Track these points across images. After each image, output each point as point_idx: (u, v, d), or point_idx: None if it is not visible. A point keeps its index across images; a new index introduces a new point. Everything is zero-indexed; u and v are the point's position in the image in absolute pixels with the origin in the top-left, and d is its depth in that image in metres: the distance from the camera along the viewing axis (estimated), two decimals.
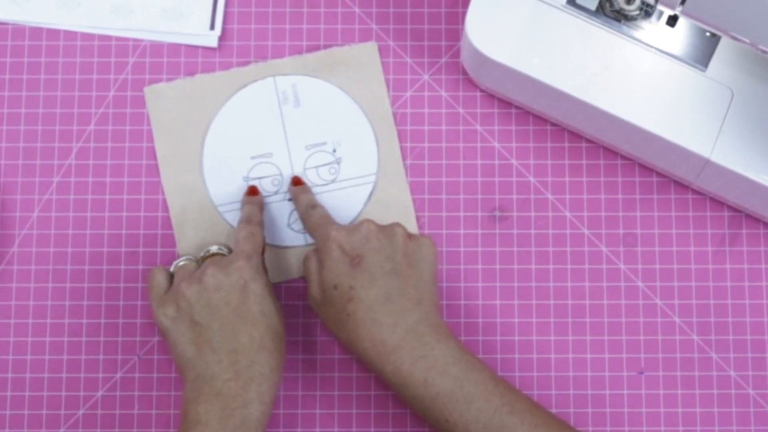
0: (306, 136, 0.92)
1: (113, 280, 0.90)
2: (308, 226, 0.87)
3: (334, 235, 0.83)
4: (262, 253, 0.86)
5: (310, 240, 0.90)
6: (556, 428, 0.79)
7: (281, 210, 0.91)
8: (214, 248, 0.88)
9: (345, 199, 0.91)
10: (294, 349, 0.90)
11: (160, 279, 0.86)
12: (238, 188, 0.91)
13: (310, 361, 0.89)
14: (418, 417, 0.89)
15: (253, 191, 0.90)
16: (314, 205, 0.88)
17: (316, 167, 0.92)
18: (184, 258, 0.88)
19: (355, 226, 0.84)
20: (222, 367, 0.80)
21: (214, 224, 0.91)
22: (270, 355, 0.81)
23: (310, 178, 0.92)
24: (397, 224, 0.84)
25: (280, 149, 0.92)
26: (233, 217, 0.91)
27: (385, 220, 0.90)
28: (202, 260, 0.87)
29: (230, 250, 0.88)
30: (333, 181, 0.92)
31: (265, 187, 0.91)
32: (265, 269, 0.86)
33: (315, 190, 0.91)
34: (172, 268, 0.87)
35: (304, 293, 0.90)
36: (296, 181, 0.90)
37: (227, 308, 0.81)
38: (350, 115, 0.92)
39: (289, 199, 0.91)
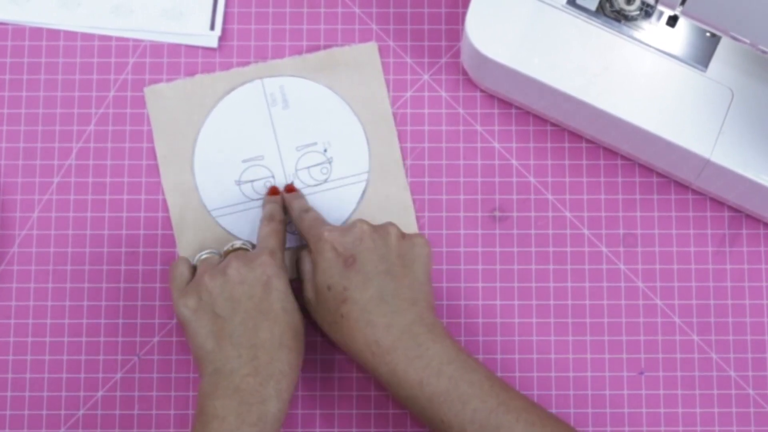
0: (296, 137, 0.92)
1: (113, 280, 0.90)
2: (301, 229, 0.87)
3: (326, 235, 0.83)
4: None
5: (303, 241, 0.90)
6: (552, 426, 0.79)
7: None
8: (238, 243, 0.88)
9: (338, 198, 0.91)
10: None
11: (182, 270, 0.85)
12: (231, 193, 0.91)
13: (310, 362, 0.89)
14: (417, 417, 0.89)
15: (274, 191, 0.90)
16: (307, 209, 0.88)
17: (308, 168, 0.92)
18: (207, 251, 0.88)
19: (348, 227, 0.83)
20: (241, 362, 0.80)
21: (208, 227, 0.91)
22: (290, 352, 0.81)
23: (302, 178, 0.91)
24: (391, 224, 0.84)
25: (271, 151, 0.92)
26: (227, 221, 0.91)
27: (384, 219, 0.90)
28: (226, 254, 0.87)
29: (254, 246, 0.88)
30: (325, 181, 0.92)
31: (257, 189, 0.91)
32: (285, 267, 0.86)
33: (307, 190, 0.91)
34: (194, 261, 0.87)
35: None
36: (289, 189, 0.90)
37: (249, 302, 0.81)
38: (340, 114, 0.92)
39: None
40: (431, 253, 0.84)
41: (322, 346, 0.90)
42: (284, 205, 0.89)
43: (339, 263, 0.82)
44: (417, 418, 0.88)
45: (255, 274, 0.82)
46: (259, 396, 0.78)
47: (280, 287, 0.82)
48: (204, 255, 0.87)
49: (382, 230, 0.83)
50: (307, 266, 0.85)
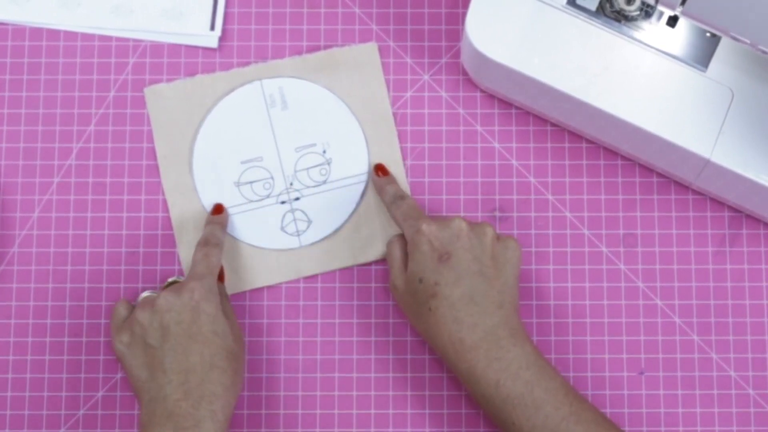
0: (295, 138, 0.92)
1: (113, 280, 0.90)
2: (397, 217, 0.87)
3: (425, 228, 0.83)
4: (222, 273, 0.88)
5: (304, 243, 0.90)
6: None
7: (275, 213, 0.91)
8: (172, 278, 0.89)
9: (337, 199, 0.91)
10: (294, 350, 0.90)
11: (120, 310, 0.86)
12: (230, 194, 0.91)
13: (310, 362, 0.89)
14: (417, 417, 0.89)
15: (218, 209, 0.90)
16: (402, 196, 0.88)
17: (307, 169, 0.92)
18: (148, 291, 0.88)
19: (446, 222, 0.84)
20: (172, 387, 0.80)
21: None
22: (223, 373, 0.81)
23: (301, 180, 0.91)
24: (488, 224, 0.84)
25: (270, 153, 0.92)
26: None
27: (383, 221, 0.90)
28: (162, 290, 0.88)
29: None
30: (324, 182, 0.92)
31: (256, 191, 0.91)
32: (222, 291, 0.87)
33: (307, 192, 0.91)
34: (138, 300, 0.88)
35: (304, 293, 0.90)
36: (380, 170, 0.90)
37: (178, 328, 0.82)
38: (338, 115, 0.92)
39: (282, 202, 0.91)
40: (522, 257, 0.85)
41: (322, 347, 0.90)
42: (379, 189, 0.89)
43: (434, 258, 0.82)
44: (420, 418, 0.88)
45: (183, 300, 0.83)
46: (192, 419, 0.79)
47: (209, 311, 0.83)
48: (144, 294, 0.88)
49: (479, 230, 0.84)
50: (396, 252, 0.86)
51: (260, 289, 0.91)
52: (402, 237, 0.87)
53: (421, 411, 0.89)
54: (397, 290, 0.85)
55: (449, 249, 0.82)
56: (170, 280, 0.89)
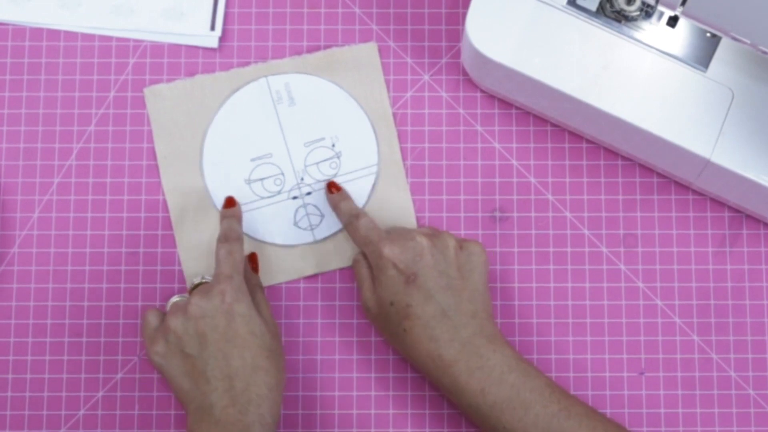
0: (304, 133, 0.92)
1: (114, 280, 0.90)
2: (356, 239, 0.86)
3: (387, 252, 0.83)
4: (256, 262, 0.87)
5: (318, 237, 0.91)
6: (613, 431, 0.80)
7: (287, 208, 0.91)
8: (197, 279, 0.88)
9: (349, 191, 0.91)
10: (294, 350, 0.90)
11: (150, 319, 0.85)
12: (241, 192, 0.91)
13: (310, 362, 0.89)
14: (417, 417, 0.89)
15: (230, 203, 0.89)
16: (357, 215, 0.87)
17: (317, 163, 0.92)
18: (177, 296, 0.88)
19: (406, 242, 0.83)
20: (218, 395, 0.80)
21: (215, 226, 0.91)
22: (266, 374, 0.81)
23: (311, 174, 0.92)
24: (448, 234, 0.84)
25: (279, 149, 0.92)
26: None
27: (385, 219, 0.90)
28: (190, 293, 0.87)
29: None
30: (335, 176, 0.92)
31: (267, 187, 0.91)
32: (257, 282, 0.86)
33: (318, 186, 0.91)
34: (168, 307, 0.87)
35: (305, 293, 0.90)
36: (332, 187, 0.89)
37: (215, 333, 0.81)
38: (346, 108, 0.92)
39: (294, 197, 0.91)
40: (488, 260, 0.85)
41: (323, 347, 0.90)
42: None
43: (401, 281, 0.82)
44: (420, 418, 0.88)
45: (214, 304, 0.82)
46: (241, 425, 0.78)
47: (242, 311, 0.82)
48: (174, 299, 0.87)
49: (440, 243, 0.83)
50: (363, 272, 0.85)
51: None
52: (363, 254, 0.86)
53: (421, 411, 0.89)
54: (370, 311, 0.85)
55: (414, 270, 0.82)
56: (196, 281, 0.88)
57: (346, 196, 0.89)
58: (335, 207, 0.89)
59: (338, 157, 0.92)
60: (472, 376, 0.80)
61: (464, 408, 0.82)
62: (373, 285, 0.85)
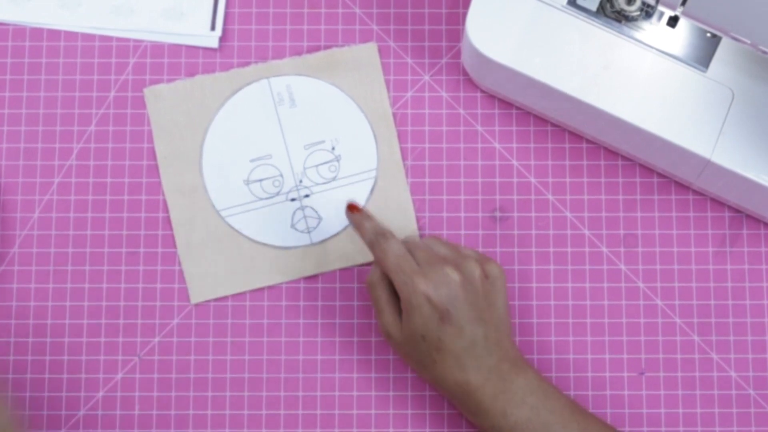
0: (304, 135, 0.92)
1: (114, 280, 0.90)
2: (384, 263, 0.83)
3: (423, 289, 0.81)
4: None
5: (315, 239, 0.91)
6: None
7: (285, 210, 0.91)
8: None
9: (347, 195, 0.91)
10: (294, 350, 0.90)
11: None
12: (240, 192, 0.91)
13: (310, 362, 0.89)
14: (417, 417, 0.89)
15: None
16: (384, 234, 0.84)
17: (316, 166, 0.92)
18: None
19: (438, 275, 0.81)
20: None
21: (215, 226, 0.91)
22: None
23: (310, 177, 0.92)
24: (473, 262, 0.83)
25: (279, 150, 0.92)
26: (236, 221, 0.91)
27: (385, 219, 0.90)
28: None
29: None
30: (334, 179, 0.92)
31: (266, 188, 0.91)
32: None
33: (316, 188, 0.91)
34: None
35: (305, 293, 0.90)
36: (353, 208, 0.87)
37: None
38: (347, 112, 0.92)
39: (292, 199, 0.91)
40: (505, 278, 0.85)
41: (323, 347, 0.90)
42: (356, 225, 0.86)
43: (435, 318, 0.81)
44: (419, 418, 0.88)
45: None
46: None
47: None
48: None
49: (468, 274, 0.82)
50: (383, 296, 0.84)
51: (261, 289, 0.91)
52: (382, 276, 0.84)
53: (422, 411, 0.89)
54: (393, 338, 0.84)
55: (448, 306, 0.81)
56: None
57: (369, 216, 0.86)
58: (359, 226, 0.86)
59: (338, 161, 0.92)
60: (495, 399, 0.81)
61: (486, 429, 0.82)
62: (395, 312, 0.84)
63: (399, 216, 0.91)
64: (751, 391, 0.89)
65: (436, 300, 0.81)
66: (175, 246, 0.91)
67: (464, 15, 0.93)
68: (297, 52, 0.93)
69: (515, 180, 0.92)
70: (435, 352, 0.82)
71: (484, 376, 0.81)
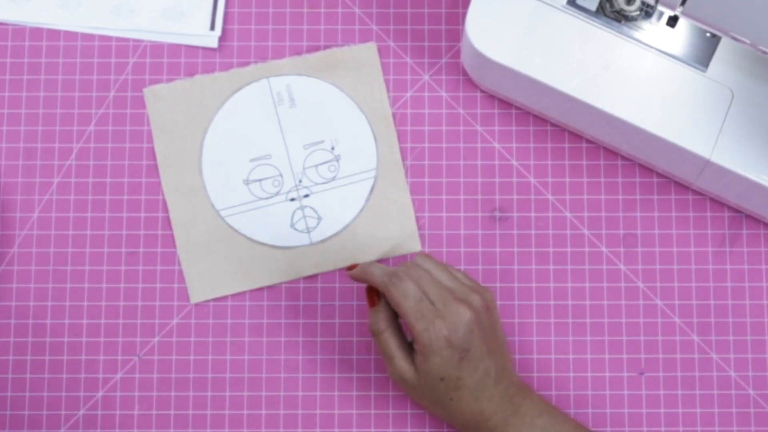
0: (303, 135, 0.92)
1: (113, 280, 0.90)
2: (401, 308, 0.81)
3: (444, 333, 0.80)
4: None
5: (315, 239, 0.91)
6: None
7: (284, 210, 0.91)
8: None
9: (346, 195, 0.91)
10: (294, 350, 0.90)
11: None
12: (239, 192, 0.91)
13: (310, 362, 0.89)
14: (418, 417, 0.89)
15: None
16: (396, 274, 0.83)
17: (316, 166, 0.92)
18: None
19: (453, 315, 0.81)
20: None
21: (215, 226, 0.91)
22: None
23: (310, 177, 0.92)
24: (475, 295, 0.82)
25: (279, 150, 0.92)
26: (235, 221, 0.91)
27: (384, 219, 0.90)
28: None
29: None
30: (333, 179, 0.92)
31: (265, 188, 0.91)
32: None
33: (316, 188, 0.91)
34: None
35: (305, 293, 0.90)
36: (350, 267, 0.86)
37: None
38: (346, 112, 0.92)
39: (292, 199, 0.91)
40: (496, 301, 0.86)
41: (322, 347, 0.90)
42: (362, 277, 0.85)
43: (455, 358, 0.81)
44: (419, 418, 0.88)
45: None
46: None
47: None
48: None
49: (476, 309, 0.82)
50: (392, 343, 0.83)
51: (260, 289, 0.91)
52: (390, 322, 0.83)
53: (422, 411, 0.89)
54: (407, 383, 0.83)
55: (466, 346, 0.81)
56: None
57: (370, 262, 0.85)
58: (366, 274, 0.84)
59: (337, 161, 0.92)
60: (507, 423, 0.82)
61: None
62: (407, 357, 0.83)
63: (399, 216, 0.91)
64: (751, 391, 0.89)
65: (455, 342, 0.81)
66: (174, 246, 0.91)
67: (464, 15, 0.93)
68: (297, 51, 0.93)
69: (515, 180, 0.92)
70: (453, 391, 0.82)
71: (495, 403, 0.82)
